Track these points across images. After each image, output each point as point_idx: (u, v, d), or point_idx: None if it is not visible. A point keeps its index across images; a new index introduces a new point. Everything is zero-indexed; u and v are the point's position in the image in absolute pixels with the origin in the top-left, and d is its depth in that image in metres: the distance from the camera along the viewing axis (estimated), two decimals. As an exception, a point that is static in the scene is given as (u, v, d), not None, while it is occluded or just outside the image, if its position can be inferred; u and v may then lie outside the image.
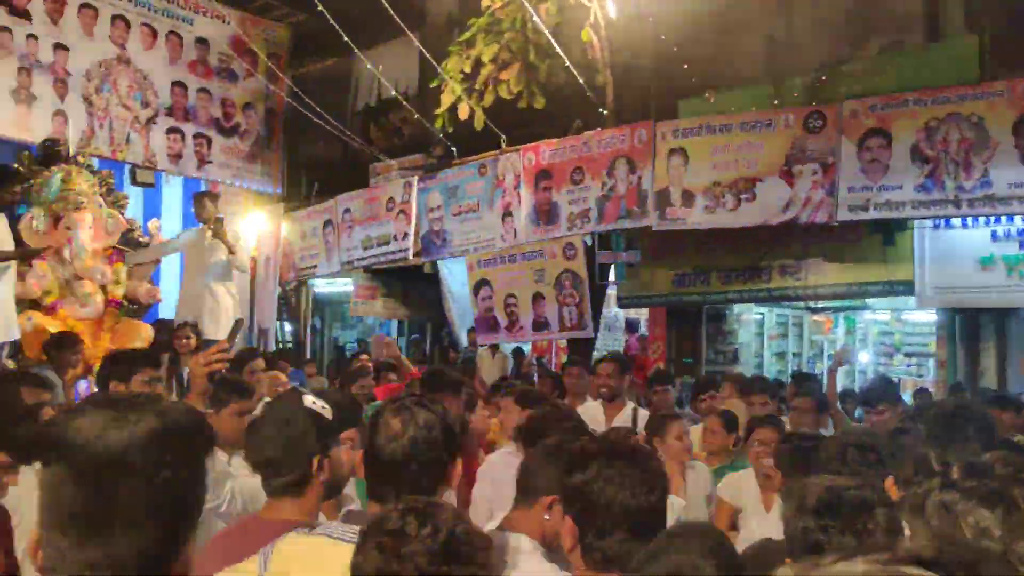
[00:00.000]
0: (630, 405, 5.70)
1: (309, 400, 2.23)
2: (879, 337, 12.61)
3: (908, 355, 12.40)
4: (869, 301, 10.78)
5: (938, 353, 8.90)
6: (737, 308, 10.38)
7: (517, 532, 2.14)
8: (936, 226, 7.81)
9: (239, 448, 3.33)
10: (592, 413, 5.46)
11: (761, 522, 3.39)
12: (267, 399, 4.98)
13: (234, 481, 2.74)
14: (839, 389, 7.64)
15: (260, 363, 5.01)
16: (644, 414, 5.52)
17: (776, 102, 7.94)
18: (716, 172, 7.54)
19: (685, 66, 8.36)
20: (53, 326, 6.94)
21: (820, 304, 11.44)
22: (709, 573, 1.50)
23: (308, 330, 13.27)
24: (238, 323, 2.80)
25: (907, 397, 8.25)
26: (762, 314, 11.14)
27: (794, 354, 11.84)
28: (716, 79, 8.57)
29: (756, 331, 11.08)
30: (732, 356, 10.37)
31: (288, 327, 13.18)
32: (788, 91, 8.09)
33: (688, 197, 7.67)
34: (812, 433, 3.62)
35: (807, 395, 5.21)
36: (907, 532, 1.50)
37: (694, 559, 1.53)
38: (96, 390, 4.95)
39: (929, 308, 8.90)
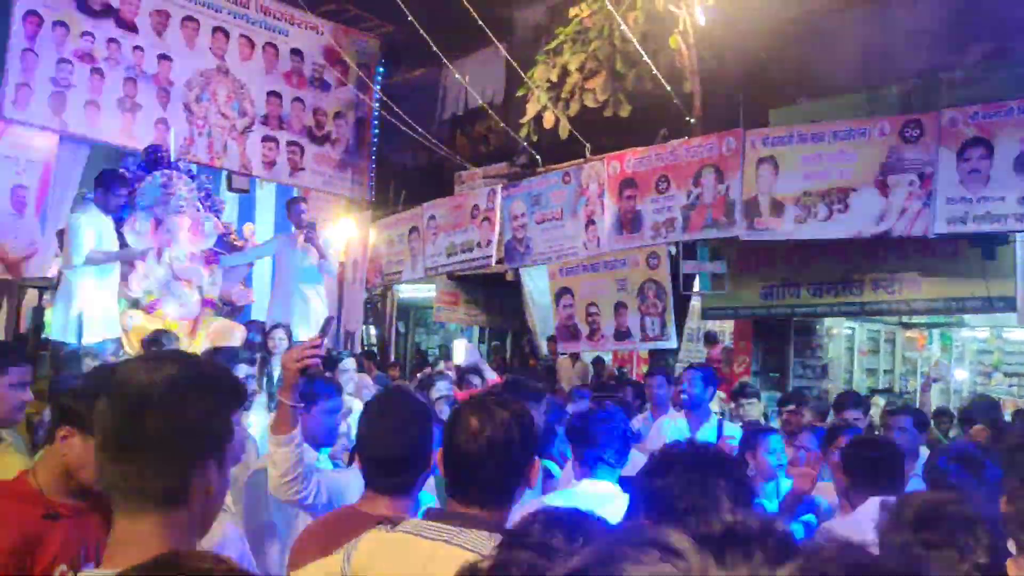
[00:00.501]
0: (715, 417, 5.62)
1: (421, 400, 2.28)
2: (976, 355, 12.10)
3: (1008, 375, 11.86)
4: (967, 317, 10.36)
5: (1041, 373, 8.51)
6: (827, 322, 10.12)
7: None
8: (1041, 240, 7.47)
9: (328, 445, 3.43)
10: (676, 424, 5.41)
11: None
12: (353, 399, 5.10)
13: (321, 475, 2.80)
14: (934, 407, 7.37)
15: (351, 363, 5.13)
16: (731, 427, 5.44)
17: (871, 111, 7.73)
18: (807, 182, 7.37)
19: (776, 74, 8.21)
20: (152, 325, 7.23)
21: (914, 320, 11.06)
22: None
23: (392, 334, 13.50)
24: (329, 320, 2.86)
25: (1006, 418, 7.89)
26: (852, 328, 10.83)
27: (886, 371, 11.46)
28: (808, 88, 8.41)
29: (846, 346, 10.78)
30: (821, 371, 10.11)
31: (373, 331, 13.43)
32: (884, 100, 7.87)
33: (778, 207, 7.51)
34: (882, 439, 3.50)
35: (903, 412, 5.03)
36: (1013, 548, 1.44)
37: None
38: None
39: (1032, 326, 8.52)
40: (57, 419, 2.34)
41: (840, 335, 10.58)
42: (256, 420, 4.92)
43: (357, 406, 4.61)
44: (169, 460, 1.34)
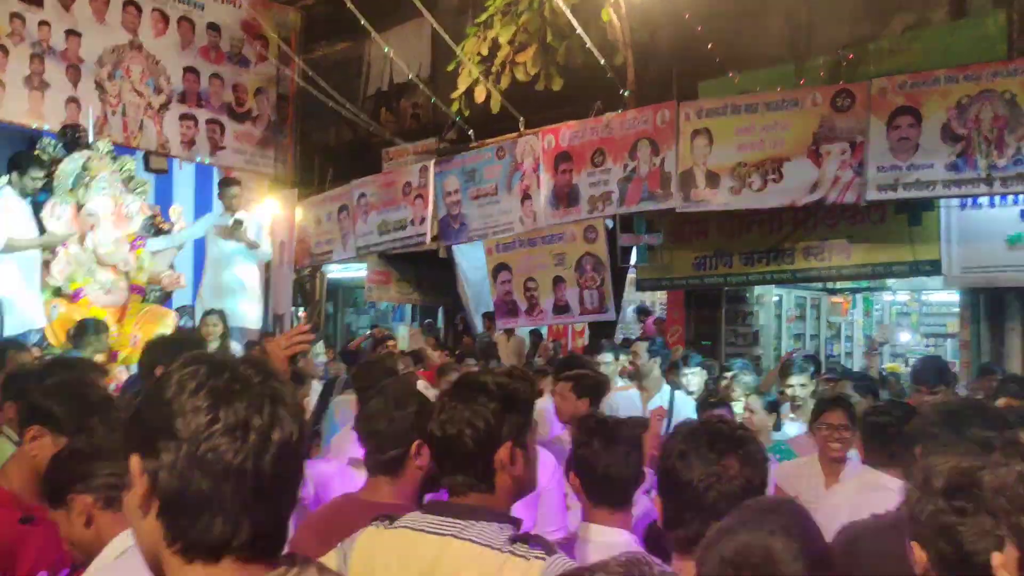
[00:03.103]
0: (666, 387, 5.66)
1: (422, 385, 2.22)
2: (896, 318, 12.58)
3: (925, 335, 12.38)
4: (888, 282, 10.74)
5: (961, 334, 8.87)
6: (756, 290, 10.34)
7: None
8: (963, 205, 7.74)
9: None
10: (629, 397, 5.44)
11: (823, 509, 3.29)
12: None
13: (306, 467, 2.71)
14: (866, 371, 7.60)
15: (321, 347, 4.99)
16: (682, 396, 5.50)
17: (801, 82, 7.87)
18: (742, 153, 7.46)
19: (708, 47, 8.26)
20: (78, 313, 6.90)
21: (838, 285, 11.40)
22: (781, 553, 1.38)
23: (323, 316, 13.23)
24: (316, 304, 2.75)
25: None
26: (780, 296, 11.10)
27: (812, 336, 11.81)
28: (738, 60, 8.48)
29: (775, 313, 11.05)
30: (751, 338, 10.34)
31: (303, 313, 13.14)
32: (813, 70, 8.02)
33: (713, 178, 7.59)
34: (896, 404, 3.52)
35: (844, 378, 5.16)
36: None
37: (765, 538, 1.41)
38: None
39: (956, 288, 8.86)
40: (26, 418, 2.19)
41: (769, 302, 10.83)
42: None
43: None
44: None
